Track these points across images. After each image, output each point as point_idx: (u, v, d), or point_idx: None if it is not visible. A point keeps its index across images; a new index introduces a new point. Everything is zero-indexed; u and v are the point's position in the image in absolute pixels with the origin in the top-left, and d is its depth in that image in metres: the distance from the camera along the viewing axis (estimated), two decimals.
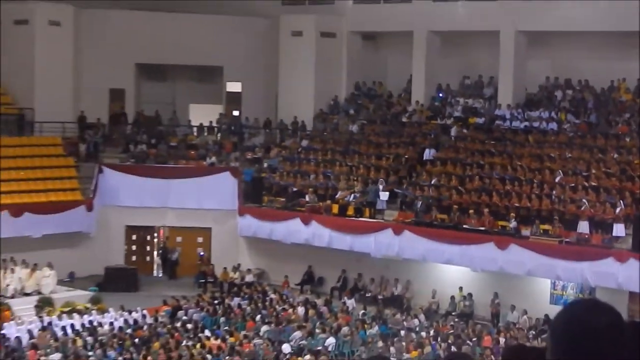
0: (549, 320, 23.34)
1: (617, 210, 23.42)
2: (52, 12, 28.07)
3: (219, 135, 30.36)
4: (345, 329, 23.15)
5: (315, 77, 30.78)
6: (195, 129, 29.31)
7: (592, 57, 28.85)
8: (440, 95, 30.31)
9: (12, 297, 22.73)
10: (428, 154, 27.28)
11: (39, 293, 23.09)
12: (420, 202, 25.55)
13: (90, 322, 22.33)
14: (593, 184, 24.45)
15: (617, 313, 1.69)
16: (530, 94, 29.20)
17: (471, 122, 28.28)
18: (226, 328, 22.62)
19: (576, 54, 29.63)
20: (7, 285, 22.83)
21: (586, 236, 23.73)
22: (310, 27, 30.85)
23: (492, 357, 20.87)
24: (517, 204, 24.81)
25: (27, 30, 27.67)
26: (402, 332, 22.86)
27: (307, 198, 26.58)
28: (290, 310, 24.12)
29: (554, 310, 21.76)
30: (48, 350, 20.26)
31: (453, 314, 25.15)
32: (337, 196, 26.49)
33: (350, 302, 25.37)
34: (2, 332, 20.78)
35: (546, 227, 24.23)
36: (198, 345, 21.02)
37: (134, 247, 27.43)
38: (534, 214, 24.82)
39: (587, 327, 1.62)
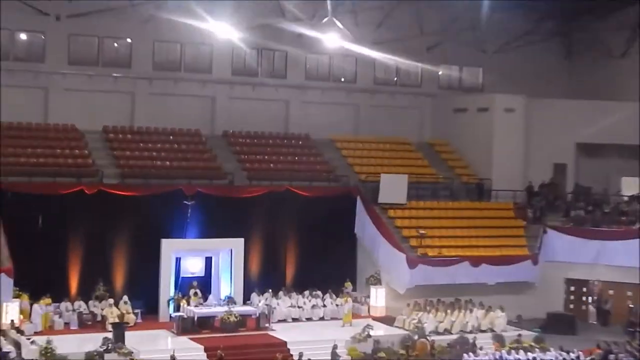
0: None
1: None
2: (508, 101, 31.85)
3: None
4: None
5: None
6: (626, 198, 30.18)
7: None
8: None
9: (470, 332, 24.78)
10: None
11: (492, 330, 24.98)
12: None
13: (534, 358, 23.43)
14: None
15: None
16: None
17: None
18: None
19: None
20: (467, 322, 25.22)
21: None
22: None
23: None
24: None
25: (487, 116, 31.86)
26: None
27: None
28: None
29: None
30: None
31: None
32: None
33: None
34: None
35: None
36: None
37: (571, 297, 29.24)
38: None
39: None
